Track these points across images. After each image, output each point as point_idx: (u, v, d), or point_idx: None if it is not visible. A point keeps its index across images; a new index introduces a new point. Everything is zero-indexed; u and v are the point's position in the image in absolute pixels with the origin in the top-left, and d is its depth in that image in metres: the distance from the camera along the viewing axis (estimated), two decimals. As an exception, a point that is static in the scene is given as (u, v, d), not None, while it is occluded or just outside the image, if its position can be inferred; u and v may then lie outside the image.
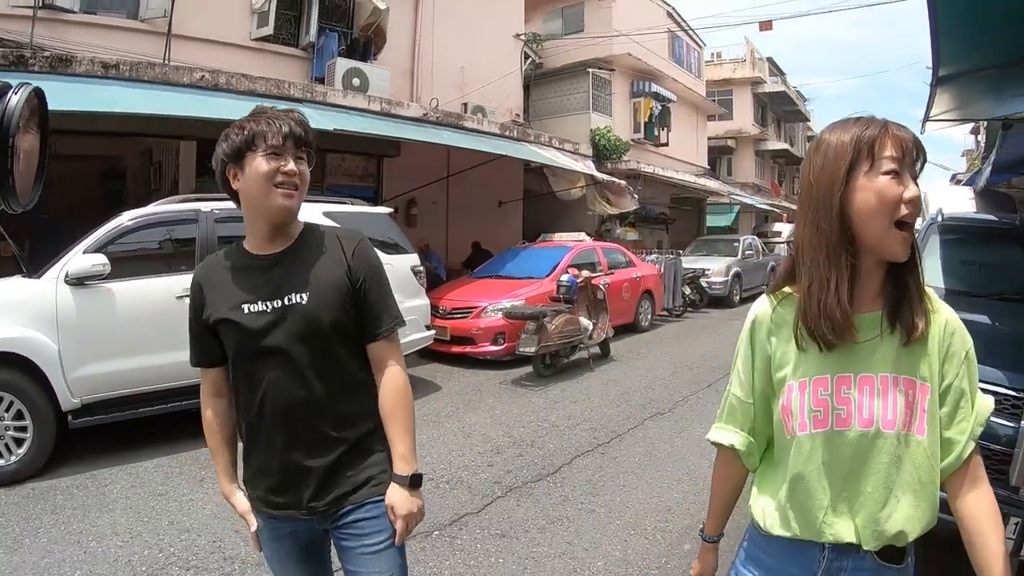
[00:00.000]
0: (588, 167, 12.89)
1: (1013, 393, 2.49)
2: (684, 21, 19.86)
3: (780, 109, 30.52)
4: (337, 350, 1.45)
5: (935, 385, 1.14)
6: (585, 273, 7.92)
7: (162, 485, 3.86)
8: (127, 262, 4.45)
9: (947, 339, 1.15)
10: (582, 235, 10.43)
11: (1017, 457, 2.35)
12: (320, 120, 7.00)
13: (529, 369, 6.87)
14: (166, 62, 7.62)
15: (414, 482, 1.44)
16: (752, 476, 1.34)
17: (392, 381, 1.48)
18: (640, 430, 4.99)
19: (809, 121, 35.23)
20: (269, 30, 9.12)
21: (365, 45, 10.09)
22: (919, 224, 4.67)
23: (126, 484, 3.87)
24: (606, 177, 12.92)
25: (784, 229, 22.79)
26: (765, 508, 1.25)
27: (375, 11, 9.86)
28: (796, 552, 1.22)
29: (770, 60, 29.13)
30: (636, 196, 13.45)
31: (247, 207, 1.44)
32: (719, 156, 26.41)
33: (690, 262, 12.98)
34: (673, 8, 19.11)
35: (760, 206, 24.20)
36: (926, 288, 1.15)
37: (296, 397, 1.41)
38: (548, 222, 12.84)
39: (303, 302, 1.43)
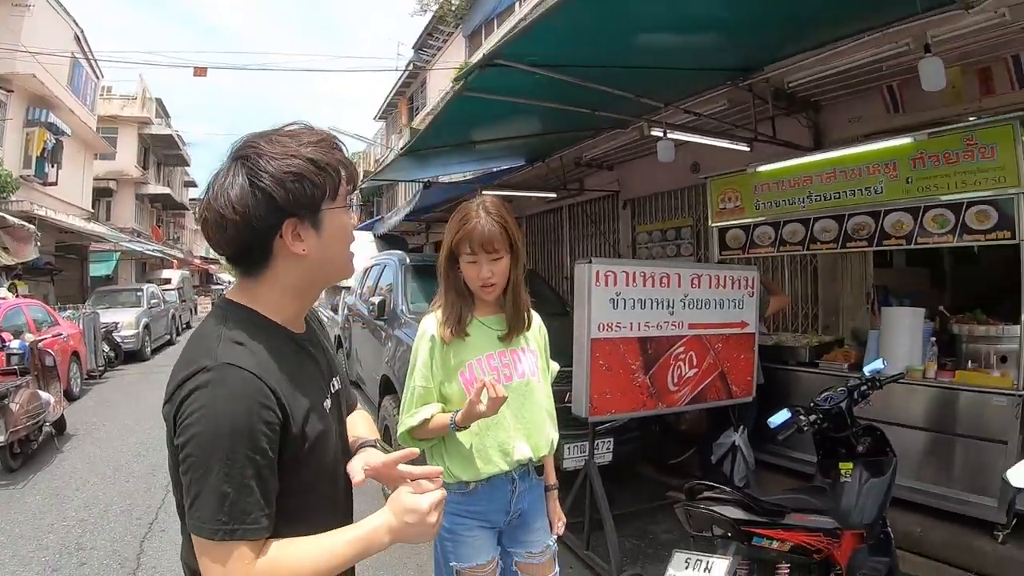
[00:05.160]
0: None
1: None
2: (90, 49, 17.50)
3: (163, 152, 29.35)
4: None
5: (542, 355, 1.87)
6: (30, 336, 6.57)
7: None
8: None
9: (540, 331, 1.90)
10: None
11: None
12: None
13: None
14: None
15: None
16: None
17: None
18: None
19: (189, 165, 34.40)
20: None
21: None
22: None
23: None
24: (14, 220, 10.25)
25: (174, 276, 22.11)
26: (463, 463, 1.69)
27: None
28: (492, 488, 1.71)
29: (159, 101, 27.99)
30: (39, 244, 11.12)
31: (308, 274, 1.03)
32: (99, 198, 23.20)
33: (97, 317, 11.60)
34: (82, 31, 16.60)
35: (153, 253, 22.93)
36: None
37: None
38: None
39: (342, 386, 1.23)
